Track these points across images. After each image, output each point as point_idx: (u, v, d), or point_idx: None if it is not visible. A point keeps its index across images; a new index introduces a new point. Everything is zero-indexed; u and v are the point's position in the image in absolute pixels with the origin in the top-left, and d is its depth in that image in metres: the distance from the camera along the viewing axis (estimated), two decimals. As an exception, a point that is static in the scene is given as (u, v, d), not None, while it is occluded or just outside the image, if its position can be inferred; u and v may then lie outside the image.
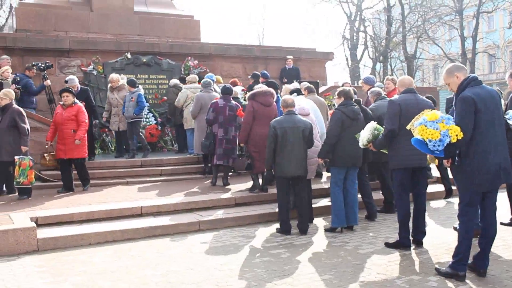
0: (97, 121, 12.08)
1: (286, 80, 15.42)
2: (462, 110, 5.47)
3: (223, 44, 17.61)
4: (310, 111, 8.85)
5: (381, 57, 37.53)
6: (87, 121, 10.36)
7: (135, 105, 12.18)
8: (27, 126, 9.74)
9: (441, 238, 7.38)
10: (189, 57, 15.89)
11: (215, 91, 12.09)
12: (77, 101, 10.45)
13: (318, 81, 15.44)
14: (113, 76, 12.92)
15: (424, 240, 7.06)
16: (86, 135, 10.36)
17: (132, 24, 16.72)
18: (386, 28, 37.73)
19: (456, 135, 5.36)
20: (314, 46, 22.81)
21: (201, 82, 12.25)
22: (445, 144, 5.42)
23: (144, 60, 15.26)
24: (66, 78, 12.00)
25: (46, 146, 10.43)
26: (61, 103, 10.34)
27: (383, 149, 7.13)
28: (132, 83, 12.52)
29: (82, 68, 14.63)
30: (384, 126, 7.00)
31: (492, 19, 47.74)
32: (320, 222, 8.72)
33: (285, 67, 16.54)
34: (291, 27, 62.76)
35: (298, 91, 10.29)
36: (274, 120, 8.25)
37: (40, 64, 12.57)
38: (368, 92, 10.18)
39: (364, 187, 8.98)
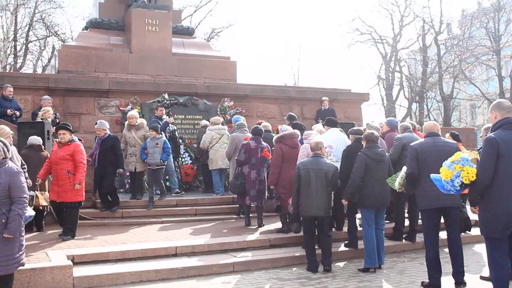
0: (121, 170, 11.41)
1: (321, 121, 15.41)
2: (484, 152, 5.46)
3: (258, 85, 17.76)
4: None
5: (417, 97, 37.31)
6: (85, 161, 9.69)
7: (161, 151, 11.84)
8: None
9: (480, 285, 7.18)
10: (226, 98, 16.07)
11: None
12: (75, 138, 9.80)
13: (353, 122, 15.40)
14: (133, 113, 12.56)
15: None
16: (85, 177, 9.67)
17: (170, 65, 17.06)
18: (422, 68, 37.62)
19: (469, 177, 5.33)
20: (349, 86, 22.84)
21: (236, 123, 12.55)
22: (456, 185, 5.41)
23: (181, 101, 15.47)
24: (97, 121, 11.83)
25: (37, 184, 9.62)
26: (57, 140, 9.73)
27: (412, 192, 7.46)
28: (155, 129, 12.03)
29: (121, 108, 14.90)
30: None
31: (530, 59, 47.16)
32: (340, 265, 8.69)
33: (321, 108, 16.54)
34: (326, 67, 63.14)
35: (331, 123, 10.62)
36: (299, 162, 8.63)
37: (165, 101, 12.80)
38: (399, 125, 10.70)
39: None
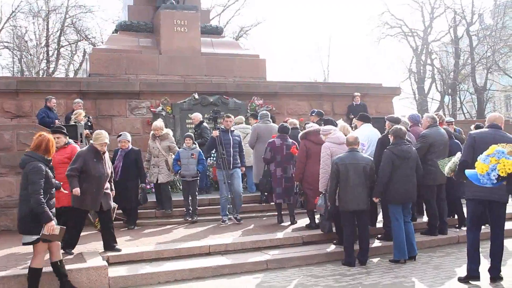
0: (144, 185, 10.88)
1: (353, 116, 15.29)
2: None
3: (288, 82, 17.73)
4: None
5: (450, 90, 36.75)
6: None
7: (197, 162, 11.33)
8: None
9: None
10: (255, 97, 16.05)
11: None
12: (70, 141, 9.37)
13: (385, 116, 15.22)
14: (157, 124, 11.80)
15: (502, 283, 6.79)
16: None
17: (199, 65, 17.12)
18: (454, 60, 37.02)
19: (506, 169, 5.22)
20: (380, 81, 22.60)
21: (259, 114, 13.00)
22: (492, 178, 5.32)
23: (211, 100, 15.51)
24: (120, 133, 11.39)
25: None
26: None
27: (461, 179, 7.18)
28: (191, 138, 11.63)
29: (152, 109, 15.04)
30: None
31: None
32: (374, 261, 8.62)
33: (353, 103, 16.42)
34: (356, 63, 62.66)
35: (364, 118, 10.91)
36: (336, 157, 8.58)
37: (210, 114, 12.95)
38: (424, 115, 10.46)
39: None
